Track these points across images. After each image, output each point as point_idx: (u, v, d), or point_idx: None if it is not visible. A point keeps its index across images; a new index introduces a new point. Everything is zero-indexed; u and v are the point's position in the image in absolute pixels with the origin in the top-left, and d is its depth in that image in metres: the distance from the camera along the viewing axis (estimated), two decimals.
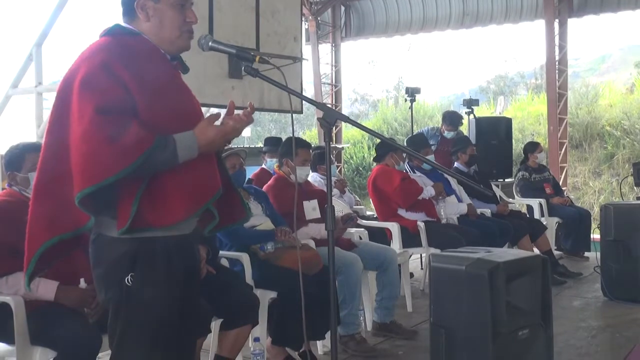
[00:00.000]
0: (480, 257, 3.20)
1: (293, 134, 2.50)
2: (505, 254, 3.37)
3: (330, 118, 2.34)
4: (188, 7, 2.26)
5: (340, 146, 14.11)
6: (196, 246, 2.35)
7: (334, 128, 12.49)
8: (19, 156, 3.07)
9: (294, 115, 2.76)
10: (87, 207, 2.01)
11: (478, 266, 3.13)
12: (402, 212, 5.68)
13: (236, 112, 2.25)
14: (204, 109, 6.36)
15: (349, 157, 16.83)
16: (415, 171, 6.16)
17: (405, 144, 6.74)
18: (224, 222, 2.37)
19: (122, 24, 2.24)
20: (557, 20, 11.76)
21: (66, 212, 2.06)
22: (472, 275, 3.12)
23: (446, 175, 6.21)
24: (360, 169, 16.91)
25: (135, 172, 1.98)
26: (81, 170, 1.97)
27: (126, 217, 2.02)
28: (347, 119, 2.48)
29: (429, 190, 5.79)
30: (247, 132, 21.32)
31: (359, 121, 23.66)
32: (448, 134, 7.76)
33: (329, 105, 13.89)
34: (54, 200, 2.08)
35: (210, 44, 2.38)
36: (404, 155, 5.83)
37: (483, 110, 17.99)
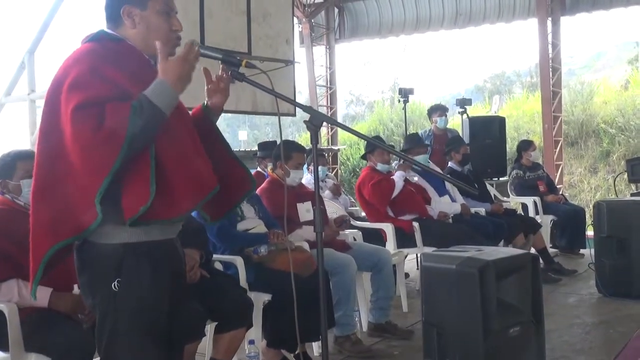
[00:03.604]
0: (471, 256, 3.23)
1: (281, 137, 2.52)
2: (496, 252, 3.39)
3: (317, 121, 2.36)
4: (173, 15, 2.28)
5: (336, 148, 14.15)
6: (181, 250, 2.37)
7: (329, 130, 12.58)
8: (11, 164, 3.07)
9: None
10: (103, 206, 1.98)
11: (468, 265, 3.15)
12: (392, 215, 5.70)
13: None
14: None
15: (345, 158, 16.88)
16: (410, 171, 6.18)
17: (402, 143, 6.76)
18: (235, 197, 2.44)
19: (107, 30, 2.25)
20: (550, 18, 11.83)
21: (68, 216, 2.05)
22: (462, 274, 3.15)
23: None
24: (357, 170, 16.92)
25: (133, 145, 1.96)
26: (87, 170, 1.98)
27: (146, 195, 2.00)
28: (333, 122, 2.52)
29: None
30: (243, 135, 21.35)
31: (355, 123, 23.72)
32: (440, 123, 7.67)
33: (324, 107, 13.97)
34: (54, 205, 2.07)
35: (196, 49, 2.40)
36: (391, 155, 5.85)
37: (479, 110, 18.04)
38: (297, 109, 5.56)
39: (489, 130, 8.66)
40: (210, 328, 3.52)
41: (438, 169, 6.57)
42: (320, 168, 5.89)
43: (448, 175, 6.27)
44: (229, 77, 2.38)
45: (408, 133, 8.98)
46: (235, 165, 2.45)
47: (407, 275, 6.13)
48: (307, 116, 2.37)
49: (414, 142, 6.34)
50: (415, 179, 6.00)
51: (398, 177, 5.71)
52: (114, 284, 2.08)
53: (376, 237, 5.56)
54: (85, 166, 1.98)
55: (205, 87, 2.41)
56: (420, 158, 6.13)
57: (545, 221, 7.24)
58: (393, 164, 5.88)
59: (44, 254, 2.09)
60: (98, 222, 2.01)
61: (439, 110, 7.80)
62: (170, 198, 2.08)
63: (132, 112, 1.97)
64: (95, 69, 2.05)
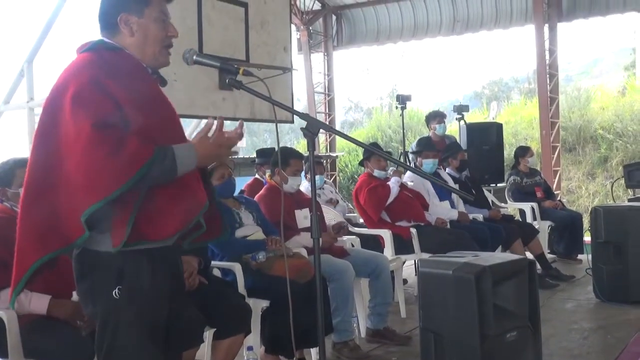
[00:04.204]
0: (467, 261, 3.24)
1: (278, 144, 2.55)
2: (492, 257, 3.40)
3: (313, 128, 2.38)
4: (168, 21, 2.31)
5: (334, 155, 14.17)
6: (179, 256, 2.39)
7: (327, 137, 12.59)
8: (9, 172, 3.09)
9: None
10: (89, 223, 2.01)
11: (465, 270, 3.17)
12: (388, 220, 5.73)
13: (226, 129, 2.29)
14: (195, 121, 6.42)
15: (343, 165, 16.89)
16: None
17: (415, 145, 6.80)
18: (204, 237, 2.38)
19: (105, 39, 2.26)
20: (546, 25, 11.86)
21: (56, 227, 2.06)
22: (459, 279, 3.16)
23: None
24: (356, 177, 16.94)
25: (138, 184, 2.00)
26: (86, 187, 1.99)
27: (122, 233, 2.04)
28: (330, 129, 2.52)
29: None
30: (242, 142, 21.40)
31: (353, 129, 23.74)
32: (439, 130, 7.70)
33: (323, 114, 14.00)
34: (43, 215, 2.07)
35: (194, 57, 2.42)
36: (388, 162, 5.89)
37: (477, 116, 18.07)
38: (296, 116, 5.57)
39: (486, 136, 8.70)
40: (208, 334, 3.53)
41: (447, 176, 6.61)
42: (317, 177, 5.92)
43: (442, 181, 6.29)
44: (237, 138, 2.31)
45: (406, 140, 9.00)
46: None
47: (405, 281, 6.15)
48: (305, 123, 2.39)
49: (425, 145, 6.40)
50: (411, 183, 6.03)
51: (393, 182, 5.74)
52: (115, 292, 2.09)
53: (374, 243, 5.57)
54: (84, 184, 1.99)
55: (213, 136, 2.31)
56: (429, 162, 6.19)
57: (543, 227, 7.25)
58: (389, 170, 5.91)
59: (29, 265, 2.09)
60: (85, 237, 2.03)
61: (437, 117, 7.82)
62: (159, 219, 2.12)
63: (152, 157, 2.02)
64: (96, 81, 2.06)
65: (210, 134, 2.23)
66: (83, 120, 1.99)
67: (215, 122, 2.25)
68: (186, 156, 2.12)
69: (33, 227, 2.10)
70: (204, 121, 2.33)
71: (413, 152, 6.53)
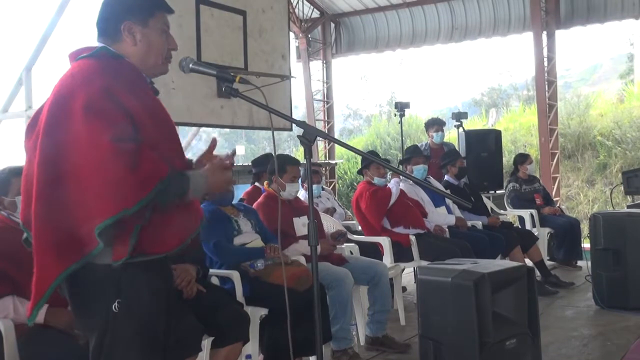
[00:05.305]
0: (466, 269, 3.24)
1: (274, 152, 2.55)
2: (491, 264, 3.40)
3: (310, 135, 2.38)
4: (169, 33, 2.31)
5: (333, 162, 14.17)
6: (170, 267, 2.37)
7: (326, 144, 12.56)
8: (6, 180, 3.07)
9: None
10: (102, 236, 1.97)
11: (463, 277, 3.16)
12: (387, 227, 5.72)
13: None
14: (193, 129, 6.43)
15: (342, 172, 16.88)
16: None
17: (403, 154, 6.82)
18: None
19: (108, 47, 2.23)
20: (544, 32, 11.87)
21: (72, 239, 2.01)
22: (458, 287, 3.16)
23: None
24: (355, 184, 16.94)
25: (151, 202, 1.99)
26: (103, 200, 1.96)
27: (125, 248, 2.02)
28: (327, 136, 2.52)
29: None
30: (241, 150, 21.40)
31: (352, 137, 23.73)
32: (437, 138, 7.73)
33: (321, 122, 14.01)
34: (59, 228, 2.02)
35: (190, 66, 2.43)
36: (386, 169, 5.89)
37: (476, 123, 18.10)
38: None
39: (484, 143, 8.70)
40: (206, 343, 3.51)
41: (438, 183, 6.61)
42: (314, 186, 5.91)
43: (442, 188, 6.30)
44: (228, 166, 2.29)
45: (405, 147, 9.02)
46: None
47: (404, 289, 6.14)
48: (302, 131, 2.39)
49: (412, 152, 6.44)
50: (409, 182, 6.04)
51: (393, 184, 5.75)
52: (115, 305, 2.05)
53: (373, 250, 5.55)
54: (100, 195, 1.96)
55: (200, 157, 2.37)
56: (419, 168, 6.19)
57: (542, 234, 7.25)
58: (387, 177, 5.92)
59: (52, 280, 2.04)
60: (100, 248, 1.99)
61: (435, 124, 7.83)
62: (160, 235, 2.11)
63: (169, 176, 2.02)
64: (108, 91, 2.04)
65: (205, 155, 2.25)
66: (99, 132, 1.96)
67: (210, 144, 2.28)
68: (199, 183, 2.13)
69: (51, 243, 2.04)
70: (203, 129, 2.33)
71: (402, 162, 6.53)
